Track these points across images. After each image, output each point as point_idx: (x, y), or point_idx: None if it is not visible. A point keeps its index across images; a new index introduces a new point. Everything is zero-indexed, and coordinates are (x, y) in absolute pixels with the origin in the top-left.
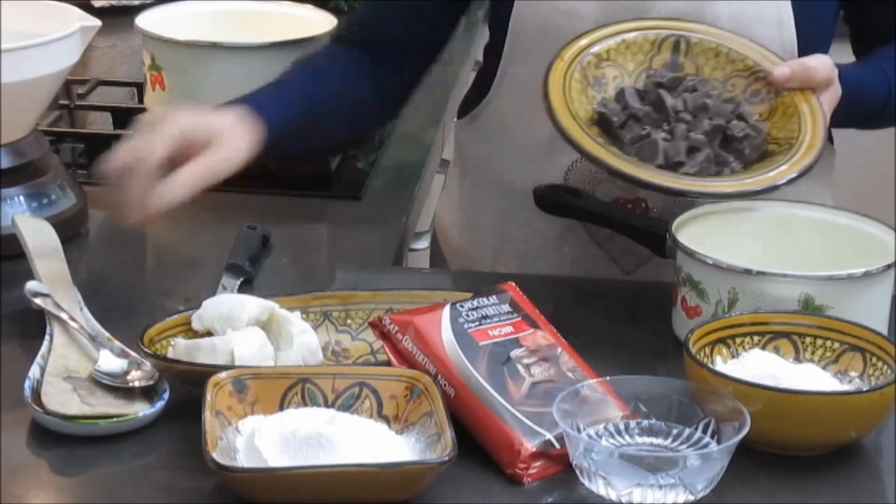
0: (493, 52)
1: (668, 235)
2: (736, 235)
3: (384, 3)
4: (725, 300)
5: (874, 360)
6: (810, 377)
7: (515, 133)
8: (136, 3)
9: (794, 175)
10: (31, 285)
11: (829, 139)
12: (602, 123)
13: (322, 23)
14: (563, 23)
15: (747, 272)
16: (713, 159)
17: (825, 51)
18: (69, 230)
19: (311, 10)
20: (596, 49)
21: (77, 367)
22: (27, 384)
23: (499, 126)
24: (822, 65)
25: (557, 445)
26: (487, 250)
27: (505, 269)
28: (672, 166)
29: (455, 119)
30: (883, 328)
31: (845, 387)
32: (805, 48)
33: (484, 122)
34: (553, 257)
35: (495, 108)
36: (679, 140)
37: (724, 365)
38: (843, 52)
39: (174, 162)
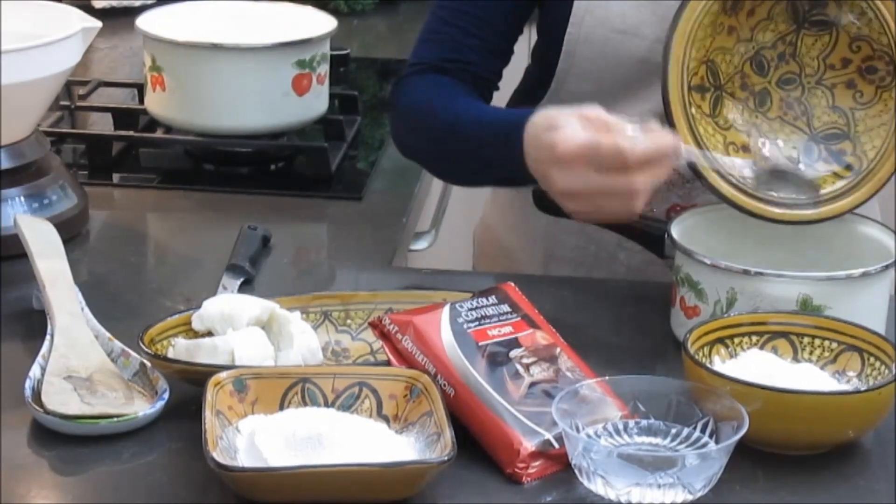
0: (542, 58)
1: (666, 236)
2: (734, 235)
3: (452, 29)
4: (724, 300)
5: (872, 359)
6: (808, 377)
7: None
8: (137, 4)
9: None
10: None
11: None
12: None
13: (322, 23)
14: (621, 43)
15: (745, 272)
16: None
17: None
18: (70, 230)
19: (311, 11)
20: None
21: (78, 366)
22: (28, 384)
23: None
24: None
25: (556, 445)
26: (538, 256)
27: (557, 275)
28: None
29: None
30: (881, 328)
31: (843, 386)
32: None
33: None
34: (607, 264)
35: None
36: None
37: (723, 365)
38: None
39: None
